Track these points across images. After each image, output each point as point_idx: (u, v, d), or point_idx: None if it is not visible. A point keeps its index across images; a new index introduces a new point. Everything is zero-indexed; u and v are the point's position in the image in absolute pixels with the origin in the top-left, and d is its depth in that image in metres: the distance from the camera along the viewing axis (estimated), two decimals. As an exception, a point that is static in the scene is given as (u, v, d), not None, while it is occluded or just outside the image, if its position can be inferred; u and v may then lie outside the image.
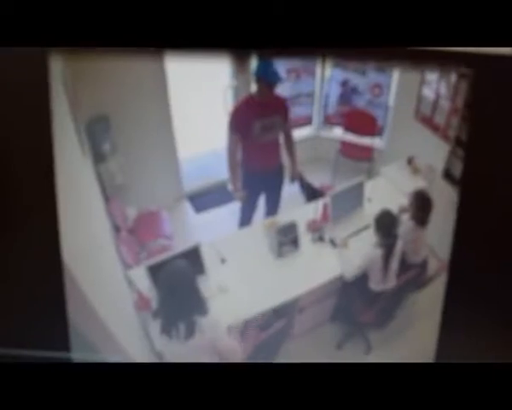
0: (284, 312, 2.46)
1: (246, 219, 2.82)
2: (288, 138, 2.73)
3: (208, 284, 2.47)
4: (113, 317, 2.10)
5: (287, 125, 2.68)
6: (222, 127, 2.59)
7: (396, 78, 2.92)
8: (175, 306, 2.04)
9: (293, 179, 2.81)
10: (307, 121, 3.19)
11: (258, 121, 2.54)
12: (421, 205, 2.54)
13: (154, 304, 2.21)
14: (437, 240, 2.50)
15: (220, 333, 2.13)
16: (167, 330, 2.06)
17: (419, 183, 2.74)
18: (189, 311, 2.04)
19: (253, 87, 2.59)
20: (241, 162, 2.67)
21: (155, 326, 2.21)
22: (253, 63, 2.45)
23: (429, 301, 2.31)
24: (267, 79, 2.46)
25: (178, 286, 2.03)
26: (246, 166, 2.69)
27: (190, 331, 2.03)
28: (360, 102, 3.07)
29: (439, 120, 2.61)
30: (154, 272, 2.33)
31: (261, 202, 2.84)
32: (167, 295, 2.06)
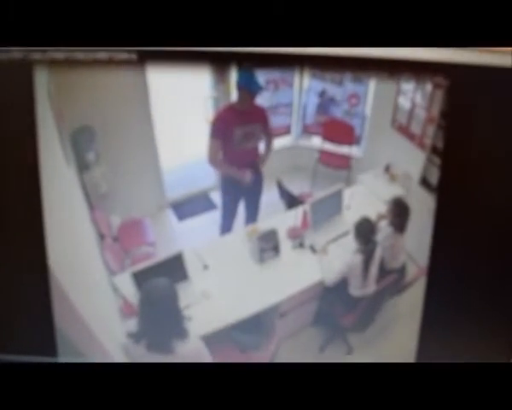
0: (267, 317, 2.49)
1: (227, 226, 2.85)
2: (269, 144, 2.78)
3: (191, 290, 2.49)
4: (100, 323, 2.12)
5: (268, 132, 2.74)
6: (203, 137, 2.61)
7: (372, 88, 2.96)
8: (156, 324, 2.09)
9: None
10: (286, 131, 3.22)
11: (240, 129, 2.58)
12: (399, 212, 2.57)
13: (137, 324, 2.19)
14: (415, 246, 2.52)
15: (204, 353, 2.18)
16: (147, 341, 2.10)
17: (396, 190, 2.77)
18: (169, 331, 2.10)
19: (233, 96, 2.63)
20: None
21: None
22: (235, 72, 2.47)
23: (409, 305, 2.34)
24: (249, 88, 2.49)
25: (160, 305, 2.09)
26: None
27: (170, 350, 2.08)
28: (338, 112, 3.10)
29: (416, 128, 2.64)
30: (139, 278, 2.36)
31: (241, 209, 2.87)
32: (149, 313, 2.11)
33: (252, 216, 2.88)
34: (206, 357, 2.19)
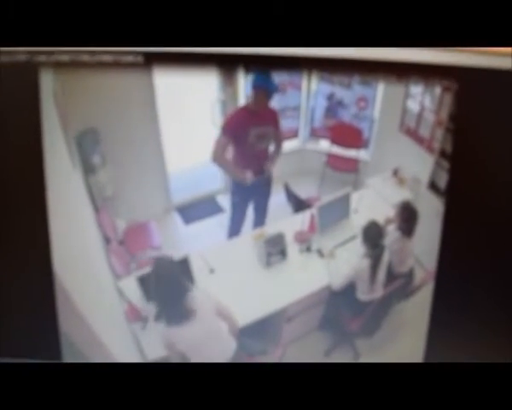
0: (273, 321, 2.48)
1: (235, 229, 2.84)
2: (278, 147, 2.76)
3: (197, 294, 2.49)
4: (105, 327, 2.12)
5: (278, 135, 2.72)
6: (210, 140, 2.60)
7: (381, 91, 2.94)
8: (167, 296, 2.18)
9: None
10: (294, 134, 3.20)
11: (254, 129, 2.57)
12: (407, 216, 2.55)
13: (150, 310, 2.30)
14: (423, 250, 2.51)
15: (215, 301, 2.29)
16: (165, 317, 2.19)
17: (404, 194, 2.75)
18: (180, 294, 2.18)
19: (241, 99, 2.62)
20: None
21: (146, 336, 2.24)
22: (251, 74, 2.45)
23: (416, 311, 2.32)
24: (266, 87, 2.48)
25: (164, 277, 2.19)
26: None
27: (188, 312, 2.18)
28: (346, 116, 3.08)
29: (424, 132, 2.63)
30: (144, 282, 2.37)
31: (248, 212, 2.86)
32: (158, 289, 2.20)
33: (260, 219, 2.86)
34: (217, 307, 2.29)
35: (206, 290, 2.27)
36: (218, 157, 2.62)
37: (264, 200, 2.84)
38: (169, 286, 2.19)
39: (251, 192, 2.79)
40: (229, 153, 2.65)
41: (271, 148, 2.74)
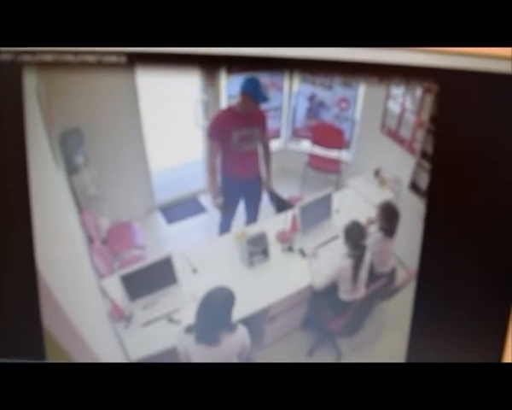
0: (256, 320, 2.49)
1: (225, 226, 2.85)
2: (266, 150, 2.76)
3: (180, 294, 2.49)
4: (88, 326, 2.12)
5: (265, 137, 2.71)
6: (192, 141, 2.60)
7: (362, 92, 2.96)
8: (212, 320, 2.25)
9: (265, 190, 2.83)
10: (276, 135, 3.21)
11: (237, 131, 2.56)
12: (389, 216, 2.57)
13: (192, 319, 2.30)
14: (404, 250, 2.53)
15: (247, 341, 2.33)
16: (200, 335, 2.25)
17: (386, 194, 2.76)
18: (223, 322, 2.26)
19: (223, 100, 2.63)
20: (221, 167, 2.70)
21: (129, 336, 2.25)
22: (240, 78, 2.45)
23: (398, 310, 2.34)
24: (255, 98, 2.48)
25: (217, 310, 2.24)
26: (225, 171, 2.71)
27: (216, 341, 2.25)
28: (327, 116, 3.09)
29: (405, 133, 2.64)
30: (127, 281, 2.38)
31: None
32: (204, 315, 2.24)
33: (252, 217, 2.86)
34: (247, 343, 2.34)
35: (243, 330, 2.33)
36: (208, 163, 2.65)
37: (255, 199, 2.85)
38: (218, 314, 2.25)
39: (241, 190, 2.80)
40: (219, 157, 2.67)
41: (260, 150, 2.75)
